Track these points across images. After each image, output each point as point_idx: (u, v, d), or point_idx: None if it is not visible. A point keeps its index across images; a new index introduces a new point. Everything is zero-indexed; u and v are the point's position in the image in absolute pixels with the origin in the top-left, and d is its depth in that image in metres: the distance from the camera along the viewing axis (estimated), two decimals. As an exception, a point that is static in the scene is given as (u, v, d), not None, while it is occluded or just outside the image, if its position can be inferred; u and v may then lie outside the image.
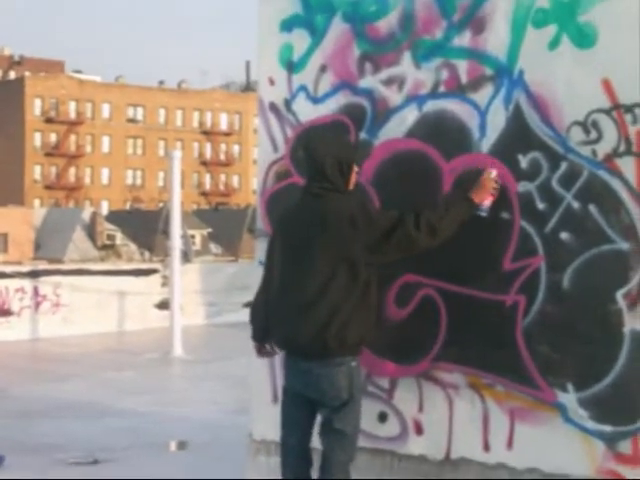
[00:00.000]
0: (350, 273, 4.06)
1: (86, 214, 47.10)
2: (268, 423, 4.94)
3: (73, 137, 79.77)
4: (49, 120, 78.13)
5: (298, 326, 4.10)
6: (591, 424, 4.07)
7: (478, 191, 4.17)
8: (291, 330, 4.15)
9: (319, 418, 4.24)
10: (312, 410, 4.25)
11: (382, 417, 4.59)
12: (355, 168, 4.26)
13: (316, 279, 4.07)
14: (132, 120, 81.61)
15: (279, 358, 4.90)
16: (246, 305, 13.47)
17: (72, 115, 79.39)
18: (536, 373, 4.18)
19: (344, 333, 4.05)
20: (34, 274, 14.21)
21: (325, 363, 4.08)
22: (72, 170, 79.92)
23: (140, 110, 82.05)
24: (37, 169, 78.46)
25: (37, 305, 13.76)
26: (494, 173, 4.19)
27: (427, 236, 4.08)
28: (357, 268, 4.06)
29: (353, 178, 4.25)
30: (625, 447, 4.00)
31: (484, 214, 4.20)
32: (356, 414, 4.19)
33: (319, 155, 4.18)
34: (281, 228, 4.34)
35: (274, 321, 4.28)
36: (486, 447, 4.32)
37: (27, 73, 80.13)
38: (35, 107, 77.89)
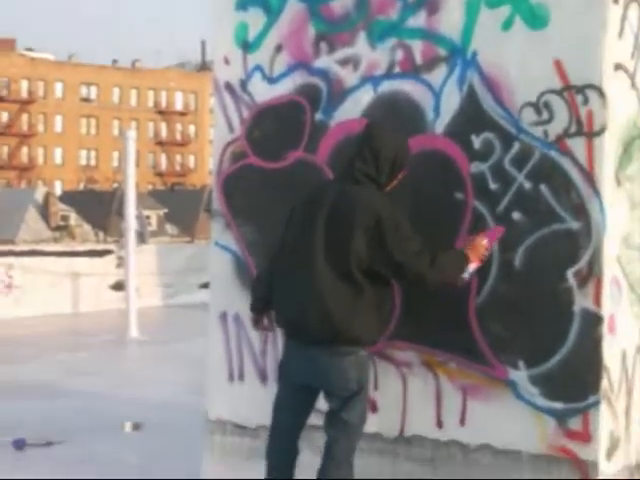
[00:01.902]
0: (365, 267, 3.93)
1: (39, 194, 46.39)
2: (224, 403, 4.95)
3: (25, 116, 78.54)
4: (0, 99, 76.83)
5: (308, 310, 3.95)
6: (542, 401, 4.14)
7: (470, 251, 4.10)
8: (299, 313, 4.00)
9: (325, 406, 4.14)
10: (312, 397, 4.17)
11: (337, 396, 4.62)
12: (401, 175, 4.12)
13: (332, 266, 3.92)
14: (86, 99, 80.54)
15: (235, 339, 4.92)
16: (202, 286, 13.43)
17: (24, 94, 78.13)
18: (488, 351, 4.23)
19: (358, 327, 3.94)
20: (-14, 255, 14.04)
21: (334, 352, 3.97)
22: (24, 150, 78.74)
23: (94, 89, 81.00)
24: (-12, 149, 77.24)
25: (-11, 287, 13.60)
26: (485, 241, 4.12)
27: (430, 270, 3.94)
28: (371, 264, 3.94)
29: (395, 182, 4.11)
30: (575, 423, 4.07)
31: (467, 276, 4.12)
32: (363, 405, 4.09)
33: (380, 141, 4.03)
34: (307, 203, 4.11)
35: (279, 298, 4.14)
36: (439, 424, 4.37)
37: (-23, 51, 78.60)
38: (-14, 86, 76.55)
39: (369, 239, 3.92)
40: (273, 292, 4.19)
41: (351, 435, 4.10)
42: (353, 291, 3.95)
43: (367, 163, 4.05)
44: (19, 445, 5.94)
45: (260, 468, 4.32)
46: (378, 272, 3.98)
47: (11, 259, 14.07)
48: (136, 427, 6.62)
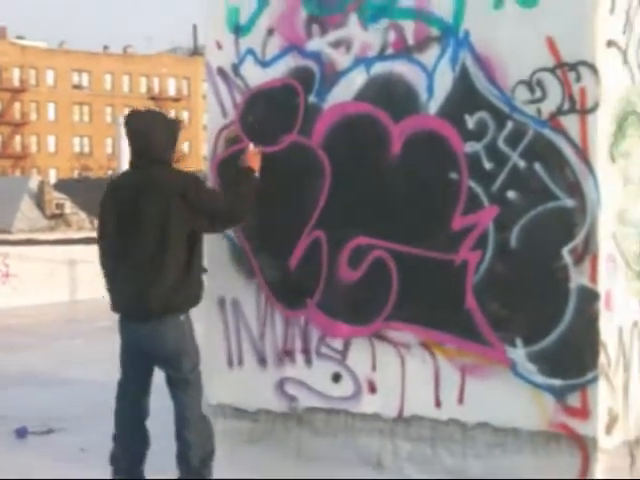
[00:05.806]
0: (175, 240, 4.16)
1: (33, 183, 46.20)
2: (223, 387, 4.97)
3: (17, 105, 78.20)
4: (-8, 88, 76.52)
5: (125, 290, 4.25)
6: (540, 378, 4.16)
7: (250, 163, 4.46)
8: (121, 293, 4.30)
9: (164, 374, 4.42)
10: (149, 364, 4.42)
11: (336, 378, 4.64)
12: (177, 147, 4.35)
13: (144, 247, 4.17)
14: (78, 86, 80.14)
15: (233, 324, 4.93)
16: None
17: (15, 82, 77.76)
18: (486, 329, 4.25)
19: (169, 297, 4.17)
20: (-18, 245, 14.03)
21: (149, 324, 4.21)
22: (17, 138, 78.44)
23: (85, 76, 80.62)
24: (-19, 138, 76.95)
25: (-14, 276, 13.60)
26: (251, 146, 4.52)
27: (237, 209, 4.31)
28: (181, 235, 4.17)
29: (176, 155, 4.33)
30: (574, 400, 4.11)
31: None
32: (191, 360, 4.31)
33: (145, 129, 4.24)
34: (113, 198, 4.39)
35: (110, 284, 4.42)
36: (437, 403, 4.40)
37: (-32, 40, 78.15)
38: (-23, 75, 76.19)
39: (176, 211, 4.13)
40: (109, 280, 4.42)
41: (189, 391, 4.39)
42: (164, 268, 4.15)
43: (144, 152, 4.24)
44: (21, 434, 5.96)
45: (259, 450, 4.33)
46: (193, 242, 4.22)
47: (7, 248, 14.06)
48: (136, 413, 6.62)
